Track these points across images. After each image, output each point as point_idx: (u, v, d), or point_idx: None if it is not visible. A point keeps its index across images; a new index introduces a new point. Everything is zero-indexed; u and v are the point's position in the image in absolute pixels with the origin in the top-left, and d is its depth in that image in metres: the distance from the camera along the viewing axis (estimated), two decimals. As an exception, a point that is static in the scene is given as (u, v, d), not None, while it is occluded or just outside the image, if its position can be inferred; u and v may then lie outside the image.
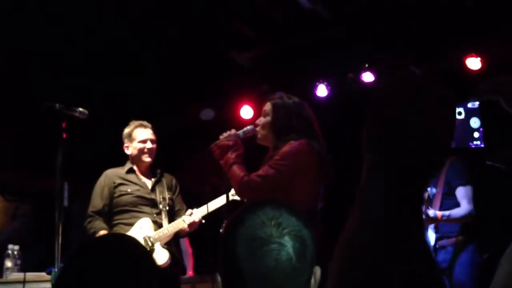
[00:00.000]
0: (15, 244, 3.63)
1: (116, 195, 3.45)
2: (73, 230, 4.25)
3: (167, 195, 3.54)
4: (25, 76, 4.37)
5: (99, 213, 3.44)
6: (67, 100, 2.90)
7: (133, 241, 1.25)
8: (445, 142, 0.72)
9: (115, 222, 3.43)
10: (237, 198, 3.24)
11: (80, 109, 2.87)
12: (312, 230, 1.08)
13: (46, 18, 4.11)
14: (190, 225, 3.39)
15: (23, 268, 3.47)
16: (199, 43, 4.93)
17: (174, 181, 3.69)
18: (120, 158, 3.66)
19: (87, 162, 4.34)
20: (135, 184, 3.51)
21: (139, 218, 3.40)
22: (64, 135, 2.79)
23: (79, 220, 3.69)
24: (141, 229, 3.37)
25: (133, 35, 4.65)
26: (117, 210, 3.44)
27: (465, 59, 4.59)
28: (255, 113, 5.41)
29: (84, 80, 4.62)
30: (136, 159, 3.57)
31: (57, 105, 2.78)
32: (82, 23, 4.28)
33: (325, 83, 5.23)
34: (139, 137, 3.56)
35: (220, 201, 3.33)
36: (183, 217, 3.43)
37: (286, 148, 2.61)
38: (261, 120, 2.81)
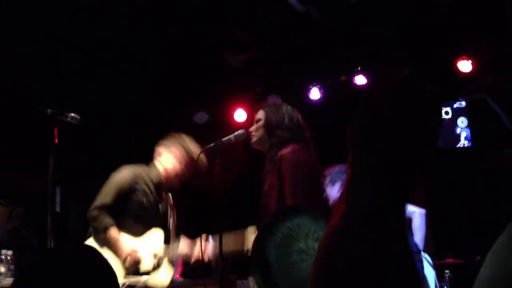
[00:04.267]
0: (7, 247, 3.62)
1: (132, 199, 3.17)
2: (70, 233, 4.25)
3: (172, 213, 3.37)
4: (18, 80, 4.37)
5: (108, 208, 3.12)
6: (60, 104, 2.90)
7: (96, 255, 1.23)
8: (432, 141, 0.73)
9: (121, 225, 3.14)
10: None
11: (72, 114, 2.84)
12: None
13: (39, 22, 4.10)
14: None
15: (17, 273, 3.46)
16: (193, 47, 4.94)
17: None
18: (116, 161, 3.62)
19: (82, 166, 4.33)
20: (156, 197, 3.26)
21: (146, 229, 3.17)
22: (56, 140, 2.77)
23: (76, 223, 3.67)
24: (150, 242, 3.15)
25: (128, 38, 4.65)
26: (127, 214, 3.16)
27: (456, 62, 4.62)
28: (248, 116, 5.42)
29: (78, 84, 4.61)
30: (168, 176, 3.30)
31: (49, 110, 2.75)
32: (76, 27, 4.28)
33: (318, 86, 5.25)
34: (177, 154, 3.28)
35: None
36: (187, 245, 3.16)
37: (286, 164, 2.60)
38: (254, 126, 2.92)
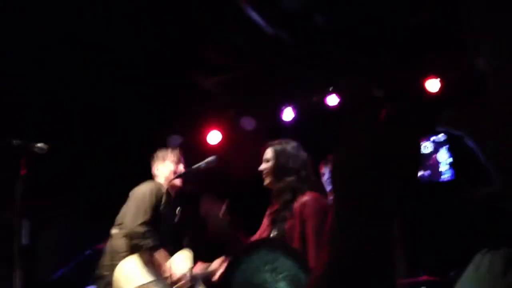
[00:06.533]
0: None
1: (159, 214, 3.15)
2: (38, 264, 4.14)
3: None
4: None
5: (151, 225, 3.08)
6: (28, 134, 2.85)
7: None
8: (412, 177, 0.74)
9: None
10: None
11: (39, 144, 2.81)
12: (309, 273, 1.07)
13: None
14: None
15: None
16: (165, 69, 4.94)
17: None
18: (86, 190, 3.59)
19: (51, 196, 4.24)
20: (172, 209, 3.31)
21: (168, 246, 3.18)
22: (23, 171, 2.73)
23: (45, 255, 3.58)
24: (184, 262, 3.15)
25: (97, 61, 4.62)
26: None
27: (425, 81, 4.71)
28: (222, 138, 5.43)
29: (45, 113, 4.54)
30: (167, 181, 3.32)
31: (15, 141, 2.72)
32: (40, 55, 4.23)
33: (291, 107, 5.30)
34: (171, 157, 3.39)
35: None
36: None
37: (310, 210, 2.64)
38: (263, 166, 2.90)
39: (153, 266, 3.02)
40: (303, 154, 2.88)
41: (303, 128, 5.24)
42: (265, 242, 1.15)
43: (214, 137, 5.44)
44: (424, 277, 4.17)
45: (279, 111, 5.31)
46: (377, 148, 0.75)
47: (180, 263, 3.16)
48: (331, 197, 3.95)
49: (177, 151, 3.45)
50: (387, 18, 4.49)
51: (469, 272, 1.06)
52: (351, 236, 0.73)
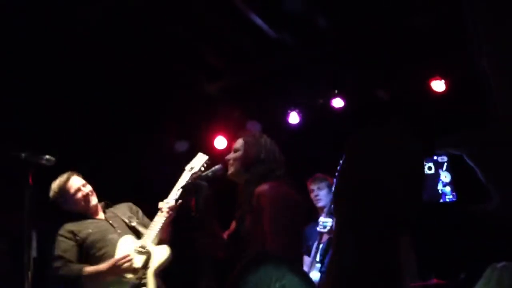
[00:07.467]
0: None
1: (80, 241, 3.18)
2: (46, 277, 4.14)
3: (128, 215, 3.36)
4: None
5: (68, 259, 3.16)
6: (34, 146, 2.86)
7: None
8: (416, 198, 0.74)
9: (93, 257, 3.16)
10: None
11: (47, 156, 2.83)
12: (314, 287, 1.06)
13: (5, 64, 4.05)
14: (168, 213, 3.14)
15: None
16: (170, 76, 4.95)
17: (133, 207, 3.49)
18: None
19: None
20: (93, 222, 3.28)
21: (112, 244, 3.16)
22: (31, 183, 2.75)
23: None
24: (128, 245, 3.13)
25: (102, 69, 4.63)
26: (87, 251, 3.17)
27: (430, 82, 4.69)
28: (229, 143, 5.43)
29: (52, 125, 4.55)
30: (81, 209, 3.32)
31: (23, 154, 2.74)
32: (46, 67, 4.24)
33: (297, 110, 5.29)
34: (73, 188, 3.30)
35: (183, 179, 3.13)
36: (158, 213, 3.16)
37: (265, 200, 2.54)
38: (231, 155, 2.80)
39: (96, 277, 3.03)
40: (278, 151, 2.76)
41: (309, 131, 5.24)
42: (269, 258, 1.13)
43: (221, 141, 5.45)
44: (434, 280, 4.15)
45: (284, 115, 5.31)
46: (378, 168, 0.75)
47: (125, 246, 3.13)
48: (321, 213, 3.90)
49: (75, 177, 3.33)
50: (389, 19, 4.48)
51: (479, 287, 1.06)
52: (351, 253, 0.73)
